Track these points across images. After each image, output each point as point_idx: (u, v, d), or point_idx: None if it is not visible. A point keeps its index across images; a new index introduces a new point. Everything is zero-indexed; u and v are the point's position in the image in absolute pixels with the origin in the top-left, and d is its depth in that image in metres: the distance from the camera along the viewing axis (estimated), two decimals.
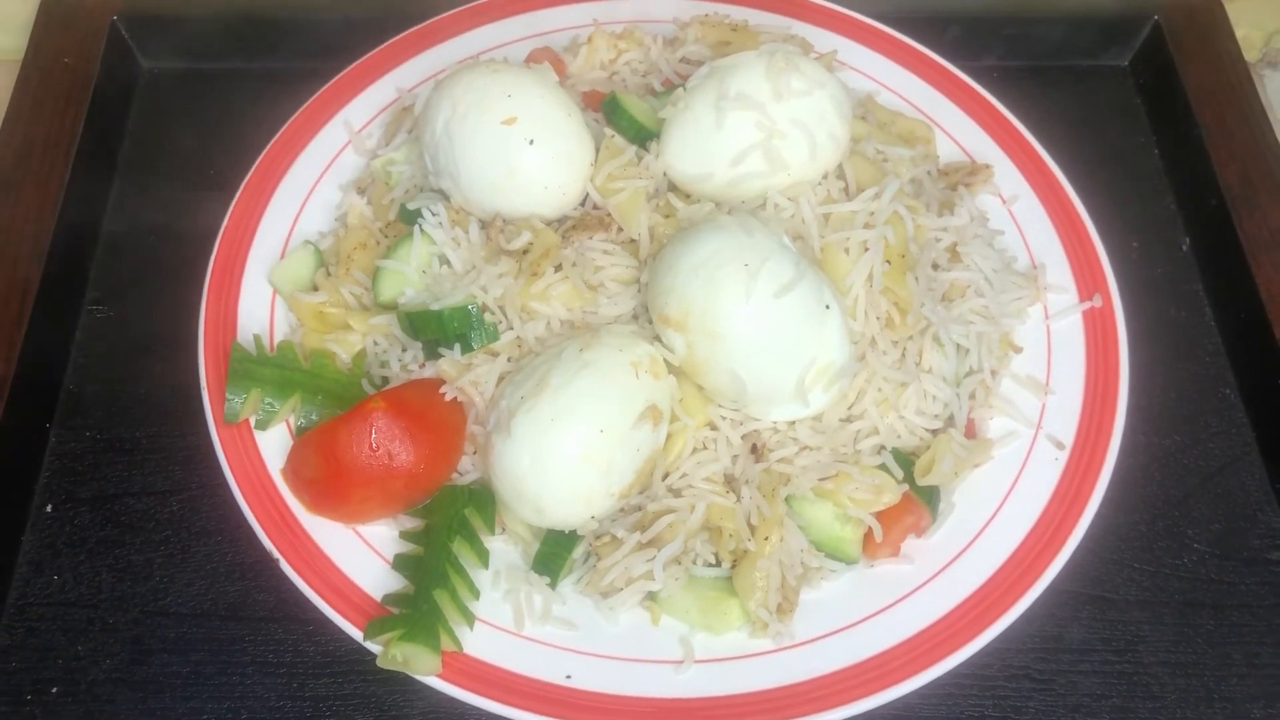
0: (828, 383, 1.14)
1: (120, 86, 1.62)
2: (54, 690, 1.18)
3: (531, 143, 1.21)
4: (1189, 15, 1.67)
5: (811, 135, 1.22)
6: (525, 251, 1.21)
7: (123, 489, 1.30)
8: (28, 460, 1.31)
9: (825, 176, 1.27)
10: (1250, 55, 1.73)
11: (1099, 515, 1.19)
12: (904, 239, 1.22)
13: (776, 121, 1.21)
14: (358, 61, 1.50)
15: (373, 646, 1.08)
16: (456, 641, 1.09)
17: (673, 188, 1.28)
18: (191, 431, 1.29)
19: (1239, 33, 1.68)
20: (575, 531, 1.15)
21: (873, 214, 1.22)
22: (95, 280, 1.46)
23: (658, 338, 1.16)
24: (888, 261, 1.20)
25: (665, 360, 1.15)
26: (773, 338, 1.11)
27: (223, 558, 1.26)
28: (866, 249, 1.20)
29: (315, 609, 1.13)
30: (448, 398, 1.18)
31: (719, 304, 1.10)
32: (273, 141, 1.42)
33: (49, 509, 1.29)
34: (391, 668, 1.07)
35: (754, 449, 1.17)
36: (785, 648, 1.11)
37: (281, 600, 1.22)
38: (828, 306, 1.13)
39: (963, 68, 1.52)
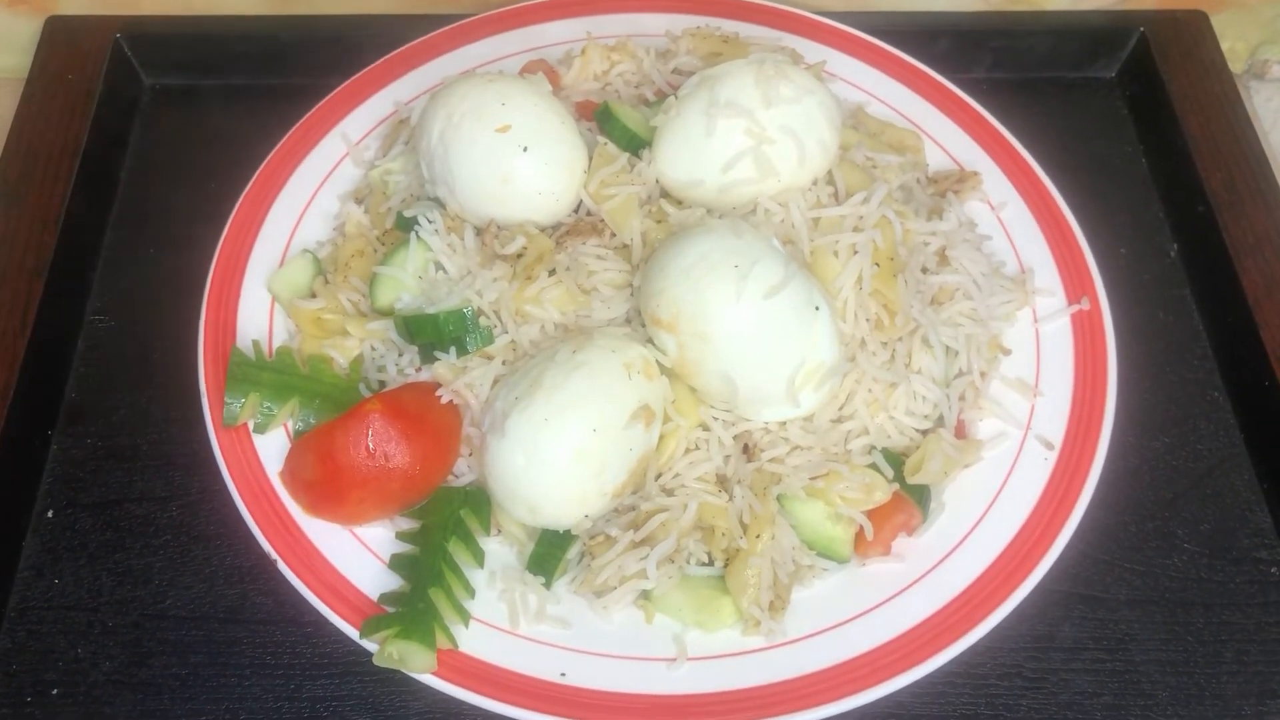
0: (818, 383, 1.16)
1: (123, 102, 1.64)
2: (54, 692, 1.18)
3: (525, 149, 1.23)
4: (1174, 27, 1.69)
5: (800, 142, 1.23)
6: (519, 256, 1.23)
7: (123, 495, 1.31)
8: (29, 467, 1.32)
9: (815, 183, 1.28)
10: (1236, 67, 1.75)
11: (1089, 516, 1.20)
12: (892, 243, 1.24)
13: (766, 128, 1.22)
14: (355, 76, 1.52)
15: (369, 645, 1.09)
16: (452, 639, 1.10)
17: (665, 194, 1.29)
18: (191, 439, 1.31)
19: (1224, 45, 1.70)
20: (570, 531, 1.16)
21: (861, 218, 1.24)
22: (97, 291, 1.48)
23: (650, 340, 1.18)
24: (876, 264, 1.21)
25: (657, 362, 1.17)
26: (762, 338, 1.12)
27: (221, 562, 1.26)
28: (855, 252, 1.21)
29: (312, 611, 1.14)
30: (443, 400, 1.19)
31: (709, 306, 1.11)
32: (272, 153, 1.44)
33: (50, 514, 1.30)
34: (387, 666, 1.07)
35: (745, 449, 1.19)
36: (777, 645, 1.12)
37: (279, 603, 1.23)
38: (817, 307, 1.14)
39: (951, 80, 1.53)
